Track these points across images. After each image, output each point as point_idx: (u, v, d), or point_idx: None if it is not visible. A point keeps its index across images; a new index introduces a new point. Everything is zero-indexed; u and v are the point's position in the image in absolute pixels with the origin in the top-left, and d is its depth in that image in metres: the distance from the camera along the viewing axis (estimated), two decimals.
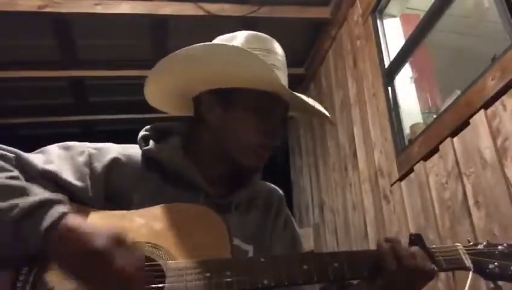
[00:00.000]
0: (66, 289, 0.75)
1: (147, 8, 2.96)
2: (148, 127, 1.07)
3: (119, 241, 0.75)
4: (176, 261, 0.83)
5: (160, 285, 0.80)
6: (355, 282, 0.96)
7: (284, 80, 1.02)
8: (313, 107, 1.05)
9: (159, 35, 3.18)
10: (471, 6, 2.51)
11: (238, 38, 1.04)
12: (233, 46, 0.98)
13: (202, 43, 0.96)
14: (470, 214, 1.72)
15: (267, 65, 0.95)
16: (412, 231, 2.09)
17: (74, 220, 0.76)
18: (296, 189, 4.10)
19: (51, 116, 3.91)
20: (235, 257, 0.90)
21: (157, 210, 0.92)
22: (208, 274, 0.81)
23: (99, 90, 3.74)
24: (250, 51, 0.96)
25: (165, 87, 1.06)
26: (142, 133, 1.05)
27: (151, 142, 1.02)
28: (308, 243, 3.25)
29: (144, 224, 0.89)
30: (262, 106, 1.00)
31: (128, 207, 0.93)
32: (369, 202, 2.61)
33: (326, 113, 1.08)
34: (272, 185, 1.17)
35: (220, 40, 1.07)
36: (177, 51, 0.97)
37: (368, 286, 0.90)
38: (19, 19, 2.88)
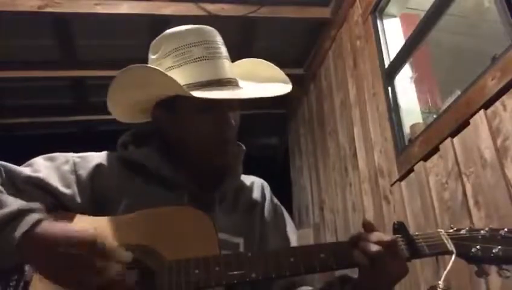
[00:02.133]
0: None
1: (147, 8, 2.96)
2: (127, 133, 1.09)
3: (92, 243, 0.76)
4: (165, 260, 0.84)
5: (150, 284, 0.81)
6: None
7: (219, 66, 1.00)
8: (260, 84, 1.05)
9: (159, 35, 3.18)
10: (471, 6, 2.51)
11: (163, 42, 1.04)
12: (132, 68, 0.97)
13: (119, 72, 0.97)
14: (470, 214, 1.72)
15: (164, 75, 0.94)
16: (412, 231, 2.09)
17: (48, 225, 0.78)
18: (296, 189, 4.10)
19: (51, 116, 3.91)
20: (223, 254, 0.91)
21: (144, 213, 0.93)
22: (196, 271, 0.82)
23: (99, 90, 3.73)
24: (146, 66, 0.97)
25: (125, 109, 1.08)
26: (121, 139, 1.07)
27: (131, 147, 1.05)
28: (308, 243, 3.25)
29: (132, 227, 0.91)
30: (201, 105, 0.98)
31: (115, 211, 0.95)
32: (369, 202, 2.61)
33: (274, 92, 1.04)
34: (255, 177, 1.19)
35: (152, 46, 1.07)
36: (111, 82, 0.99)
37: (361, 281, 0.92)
38: (19, 19, 2.88)
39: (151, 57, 1.06)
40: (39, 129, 4.05)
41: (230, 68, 1.04)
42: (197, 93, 0.94)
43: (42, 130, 4.05)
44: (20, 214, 0.78)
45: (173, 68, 1.00)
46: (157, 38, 1.07)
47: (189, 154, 1.04)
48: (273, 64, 1.12)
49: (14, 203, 0.80)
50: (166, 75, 0.95)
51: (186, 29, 1.04)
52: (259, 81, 1.09)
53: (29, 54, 3.24)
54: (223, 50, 1.05)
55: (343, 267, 0.89)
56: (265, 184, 1.18)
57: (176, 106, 1.00)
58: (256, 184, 1.17)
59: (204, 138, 1.01)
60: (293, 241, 1.15)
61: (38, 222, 0.77)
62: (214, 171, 1.07)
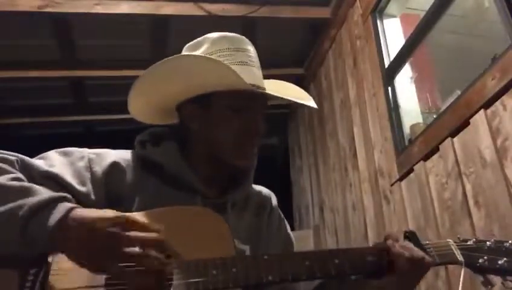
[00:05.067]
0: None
1: (147, 8, 2.96)
2: (144, 132, 1.09)
3: (127, 223, 0.77)
4: (182, 260, 0.84)
5: (168, 283, 0.81)
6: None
7: (256, 74, 1.05)
8: (290, 95, 1.09)
9: (159, 35, 3.18)
10: (471, 6, 2.51)
11: (205, 42, 1.07)
12: (189, 56, 1.03)
13: (161, 60, 0.98)
14: (470, 214, 1.72)
15: (225, 66, 0.97)
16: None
17: (81, 212, 0.78)
18: (296, 189, 4.10)
19: (51, 116, 3.91)
20: (240, 255, 0.92)
21: (160, 212, 0.93)
22: (214, 272, 0.82)
23: (99, 90, 3.74)
24: (208, 56, 1.00)
25: (147, 105, 1.08)
26: (138, 138, 1.08)
27: (149, 146, 1.05)
28: (308, 244, 3.25)
29: None
30: (238, 105, 1.02)
31: (129, 210, 0.94)
32: (369, 202, 2.61)
33: (304, 102, 1.11)
34: (262, 187, 1.20)
35: (188, 46, 1.10)
36: (144, 72, 1.00)
37: (366, 282, 0.93)
38: (19, 19, 2.88)
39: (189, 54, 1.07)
40: (39, 129, 4.04)
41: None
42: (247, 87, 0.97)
43: (42, 130, 4.04)
44: (53, 201, 0.78)
45: None
46: (196, 40, 1.09)
47: (212, 154, 1.05)
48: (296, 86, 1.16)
49: (45, 192, 0.80)
50: (232, 68, 0.97)
51: (232, 36, 1.08)
52: (287, 96, 1.11)
53: (29, 54, 3.24)
54: (258, 62, 1.09)
55: (357, 272, 0.91)
56: (273, 195, 1.20)
57: (211, 102, 1.02)
58: (263, 194, 1.18)
59: (233, 138, 1.02)
60: (293, 246, 1.17)
61: (71, 209, 0.77)
62: (232, 174, 1.08)
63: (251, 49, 1.08)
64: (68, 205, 0.78)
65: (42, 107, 3.83)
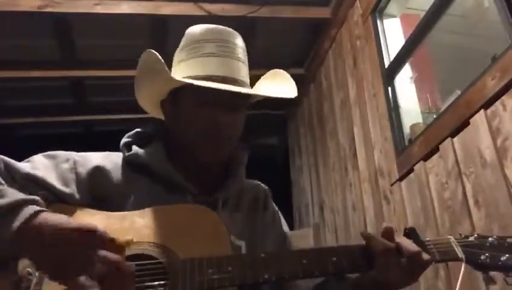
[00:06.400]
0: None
1: (147, 8, 2.96)
2: (129, 133, 1.09)
3: (93, 231, 0.74)
4: (178, 259, 0.84)
5: (163, 282, 0.81)
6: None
7: (222, 64, 1.00)
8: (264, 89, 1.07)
9: (159, 35, 3.18)
10: (471, 6, 2.50)
11: (184, 37, 1.07)
12: (144, 53, 1.01)
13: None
14: (470, 214, 1.72)
15: (159, 64, 0.96)
16: None
17: (47, 216, 0.76)
18: (296, 189, 4.10)
19: (51, 116, 3.91)
20: (236, 254, 0.91)
21: (156, 211, 0.93)
22: (210, 270, 0.82)
23: (99, 90, 3.74)
24: (149, 51, 0.98)
25: (148, 102, 1.10)
26: (124, 140, 1.07)
27: (134, 148, 1.04)
28: (308, 243, 3.25)
29: (145, 224, 0.91)
30: (203, 100, 0.99)
31: (120, 211, 0.94)
32: (369, 202, 2.61)
33: (279, 94, 1.06)
34: (257, 181, 1.19)
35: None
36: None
37: (364, 277, 0.92)
38: (19, 19, 2.88)
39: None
40: (39, 129, 4.04)
41: (241, 70, 1.03)
42: (189, 80, 0.96)
43: (42, 130, 4.04)
44: (19, 205, 0.76)
45: (183, 61, 1.02)
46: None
47: (185, 149, 1.04)
48: (286, 73, 1.13)
49: (13, 195, 0.79)
50: (158, 58, 0.96)
51: (205, 27, 1.06)
52: (266, 85, 1.09)
53: (29, 54, 3.24)
54: (239, 52, 1.04)
55: (355, 269, 0.91)
56: (268, 190, 1.19)
57: (178, 98, 1.02)
58: (258, 190, 1.17)
59: (198, 133, 1.00)
60: (289, 239, 1.16)
61: (37, 213, 0.76)
62: (220, 171, 1.08)
63: (230, 39, 1.04)
64: (34, 208, 0.77)
65: (42, 107, 3.84)
